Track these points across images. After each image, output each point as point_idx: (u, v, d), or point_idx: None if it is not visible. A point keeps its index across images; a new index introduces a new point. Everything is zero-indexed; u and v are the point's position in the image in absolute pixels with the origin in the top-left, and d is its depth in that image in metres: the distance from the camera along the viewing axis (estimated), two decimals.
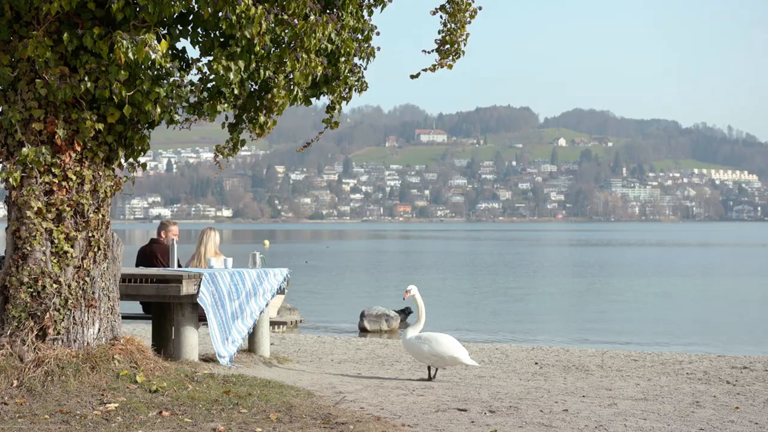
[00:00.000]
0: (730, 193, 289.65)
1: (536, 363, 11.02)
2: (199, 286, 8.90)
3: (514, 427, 6.74)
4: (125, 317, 10.27)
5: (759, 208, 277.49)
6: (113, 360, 7.15)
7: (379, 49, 8.12)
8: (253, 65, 7.21)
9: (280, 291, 10.03)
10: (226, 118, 7.98)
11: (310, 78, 7.50)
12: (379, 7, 8.13)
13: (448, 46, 8.38)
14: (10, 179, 7.07)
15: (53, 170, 7.18)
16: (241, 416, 6.40)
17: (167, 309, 9.37)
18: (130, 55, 6.55)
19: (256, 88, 7.66)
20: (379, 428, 6.32)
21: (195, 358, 9.00)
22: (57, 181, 7.19)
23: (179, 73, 7.05)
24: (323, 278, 35.00)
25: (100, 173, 7.39)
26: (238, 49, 7.08)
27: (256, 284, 9.52)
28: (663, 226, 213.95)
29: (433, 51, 8.45)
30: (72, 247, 7.23)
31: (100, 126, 7.20)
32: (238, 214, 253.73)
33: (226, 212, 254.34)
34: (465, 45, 8.44)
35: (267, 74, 7.31)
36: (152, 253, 10.44)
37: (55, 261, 7.17)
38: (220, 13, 6.87)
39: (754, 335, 18.79)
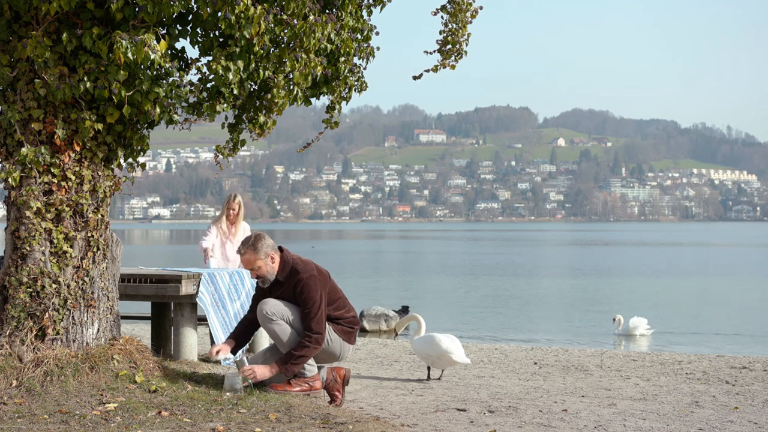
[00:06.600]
0: (729, 193, 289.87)
1: (535, 363, 11.01)
2: (198, 285, 8.89)
3: (513, 427, 6.74)
4: (125, 317, 10.29)
5: (758, 208, 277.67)
6: (112, 360, 7.15)
7: (378, 49, 8.12)
8: (253, 65, 7.21)
9: None
10: (226, 118, 7.97)
11: (309, 78, 7.49)
12: (379, 7, 8.13)
13: (449, 46, 8.37)
14: (10, 179, 7.06)
15: (52, 170, 7.17)
16: (240, 416, 6.40)
17: (166, 309, 9.38)
18: (130, 55, 6.55)
19: (256, 88, 7.65)
20: (378, 428, 6.32)
21: (194, 358, 9.00)
22: (56, 181, 7.19)
23: (178, 73, 7.04)
24: None
25: (100, 173, 7.39)
26: (237, 49, 7.07)
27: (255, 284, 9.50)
28: (662, 226, 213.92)
29: (435, 51, 8.44)
30: (71, 247, 7.22)
31: (100, 126, 7.19)
32: None
33: None
34: (467, 45, 8.43)
35: (266, 74, 7.31)
36: None
37: (54, 261, 7.16)
38: (219, 13, 6.87)
39: (753, 335, 18.79)
